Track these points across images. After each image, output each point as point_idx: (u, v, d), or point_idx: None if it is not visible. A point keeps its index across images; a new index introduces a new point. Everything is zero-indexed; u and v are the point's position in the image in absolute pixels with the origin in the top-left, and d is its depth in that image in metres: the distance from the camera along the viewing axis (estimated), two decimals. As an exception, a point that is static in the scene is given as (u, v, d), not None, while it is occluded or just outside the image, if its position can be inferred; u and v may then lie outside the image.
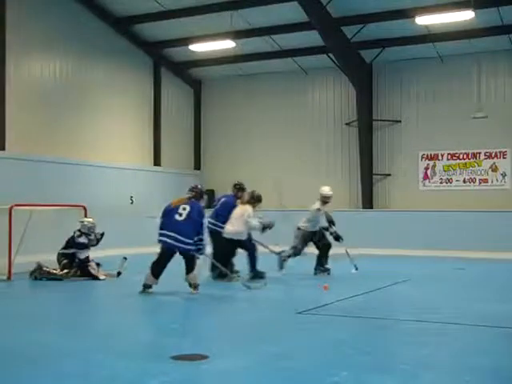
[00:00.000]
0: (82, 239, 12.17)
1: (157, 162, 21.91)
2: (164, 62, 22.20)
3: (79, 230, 12.25)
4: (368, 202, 20.61)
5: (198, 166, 23.73)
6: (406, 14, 17.60)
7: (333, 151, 21.65)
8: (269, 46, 20.59)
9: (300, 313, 8.20)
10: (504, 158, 19.41)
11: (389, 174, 20.83)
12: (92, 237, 12.28)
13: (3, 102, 16.29)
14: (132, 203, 20.20)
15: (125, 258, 12.35)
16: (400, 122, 20.73)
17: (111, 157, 19.78)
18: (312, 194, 18.54)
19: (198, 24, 19.32)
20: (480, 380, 5.26)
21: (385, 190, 20.95)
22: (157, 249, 10.08)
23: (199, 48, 20.02)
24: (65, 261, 12.15)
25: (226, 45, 19.45)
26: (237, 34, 19.15)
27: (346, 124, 21.39)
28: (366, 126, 20.66)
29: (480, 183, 19.68)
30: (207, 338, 6.87)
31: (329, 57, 20.20)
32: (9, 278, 11.90)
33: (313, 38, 19.13)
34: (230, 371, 5.40)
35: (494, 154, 19.52)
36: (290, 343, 6.56)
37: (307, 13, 17.69)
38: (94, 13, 19.14)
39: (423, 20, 17.33)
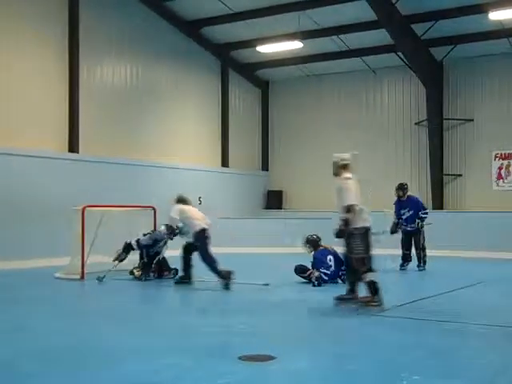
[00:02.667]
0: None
1: (224, 162, 22.06)
2: (231, 64, 22.35)
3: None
4: (438, 203, 20.16)
5: (265, 167, 23.76)
6: (478, 9, 17.10)
7: (402, 151, 21.28)
8: (336, 46, 20.44)
9: (370, 315, 8.07)
10: None
11: (460, 175, 20.31)
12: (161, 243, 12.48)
13: (77, 106, 16.75)
14: (200, 204, 20.38)
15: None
16: (472, 120, 20.17)
17: (180, 158, 20.04)
18: (381, 195, 18.31)
19: (266, 25, 19.36)
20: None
21: (456, 190, 20.44)
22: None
23: (267, 49, 20.05)
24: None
25: (294, 45, 19.40)
26: (304, 35, 19.07)
27: (416, 124, 20.99)
28: (436, 125, 20.21)
29: (556, 183, 18.99)
30: (274, 339, 6.83)
31: (398, 55, 19.87)
32: (82, 277, 12.20)
33: (381, 36, 18.86)
34: (298, 372, 5.35)
35: None
36: (358, 345, 6.47)
37: (375, 11, 17.43)
38: (164, 16, 19.45)
39: (497, 15, 16.80)
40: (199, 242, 11.11)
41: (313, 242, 11.55)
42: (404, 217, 13.80)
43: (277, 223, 20.61)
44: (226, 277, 10.61)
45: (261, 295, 10.03)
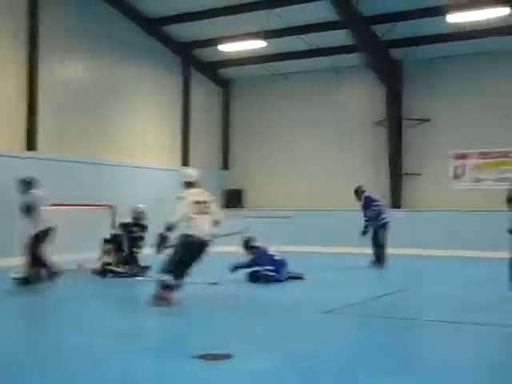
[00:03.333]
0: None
1: (185, 161, 21.96)
2: (193, 62, 22.26)
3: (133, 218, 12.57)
4: (397, 202, 20.41)
5: (226, 166, 23.74)
6: (436, 11, 17.37)
7: (362, 151, 21.46)
8: (300, 45, 20.44)
9: (327, 312, 8.14)
10: (536, 156, 19.10)
11: (419, 174, 20.58)
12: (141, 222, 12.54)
13: (36, 104, 16.50)
14: (159, 203, 20.23)
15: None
16: (429, 120, 20.46)
17: (140, 156, 19.89)
18: (341, 194, 18.47)
19: (229, 24, 19.31)
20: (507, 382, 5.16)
21: (415, 189, 20.70)
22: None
23: (230, 48, 20.00)
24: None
25: (257, 44, 19.40)
26: (268, 34, 19.11)
27: (376, 123, 21.20)
28: (395, 125, 20.49)
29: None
30: (231, 337, 6.84)
31: (359, 56, 20.05)
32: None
33: (343, 36, 19.01)
34: (254, 371, 5.35)
35: (525, 153, 19.22)
36: (315, 343, 6.50)
37: (337, 12, 17.58)
38: (125, 14, 19.27)
39: (455, 17, 17.09)
40: (41, 240, 10.28)
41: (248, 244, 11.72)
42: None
43: (236, 222, 20.59)
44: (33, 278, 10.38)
45: (214, 293, 9.99)
